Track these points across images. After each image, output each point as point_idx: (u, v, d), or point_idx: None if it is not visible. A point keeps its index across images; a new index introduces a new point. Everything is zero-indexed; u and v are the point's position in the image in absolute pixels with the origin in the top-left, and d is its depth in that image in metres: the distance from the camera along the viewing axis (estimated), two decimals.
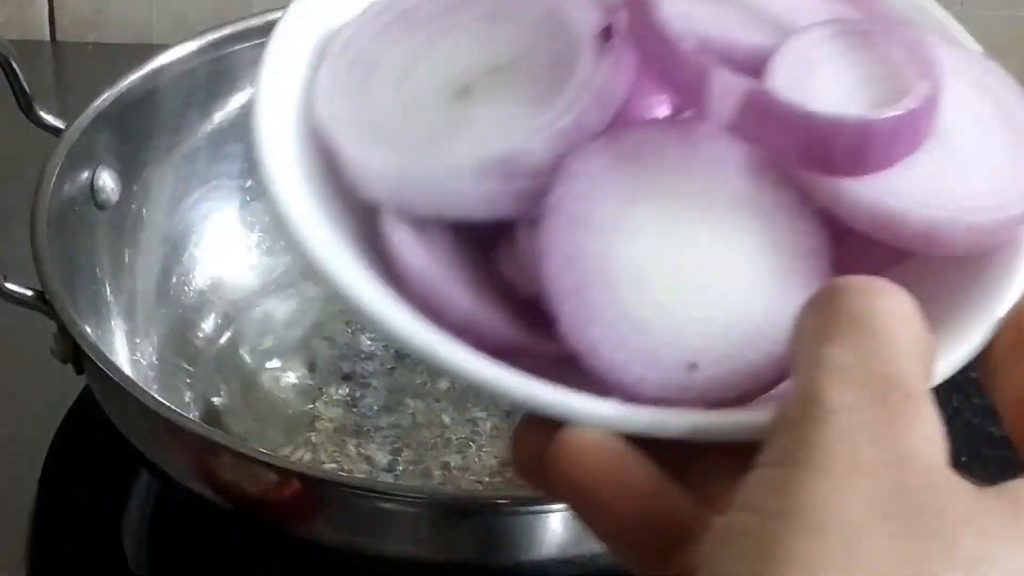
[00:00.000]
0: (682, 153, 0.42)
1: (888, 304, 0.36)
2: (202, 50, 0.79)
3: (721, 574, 0.34)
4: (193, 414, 0.74)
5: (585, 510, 0.38)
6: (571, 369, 0.39)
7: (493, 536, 0.61)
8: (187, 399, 0.76)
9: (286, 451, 0.73)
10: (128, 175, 0.76)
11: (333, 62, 0.43)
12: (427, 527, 0.61)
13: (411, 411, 0.76)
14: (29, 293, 0.67)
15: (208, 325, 0.80)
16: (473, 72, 0.43)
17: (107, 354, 0.65)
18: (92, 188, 0.74)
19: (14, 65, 0.73)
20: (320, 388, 0.78)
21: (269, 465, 0.60)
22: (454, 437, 0.75)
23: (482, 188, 0.40)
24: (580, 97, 0.41)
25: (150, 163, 0.78)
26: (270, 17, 0.81)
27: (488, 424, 0.75)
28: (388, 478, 0.72)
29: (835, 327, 0.36)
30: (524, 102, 0.42)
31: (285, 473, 0.60)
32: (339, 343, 0.80)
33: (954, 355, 0.40)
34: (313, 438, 0.74)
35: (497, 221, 0.41)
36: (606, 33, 0.42)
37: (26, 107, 0.74)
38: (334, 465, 0.73)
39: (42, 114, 0.75)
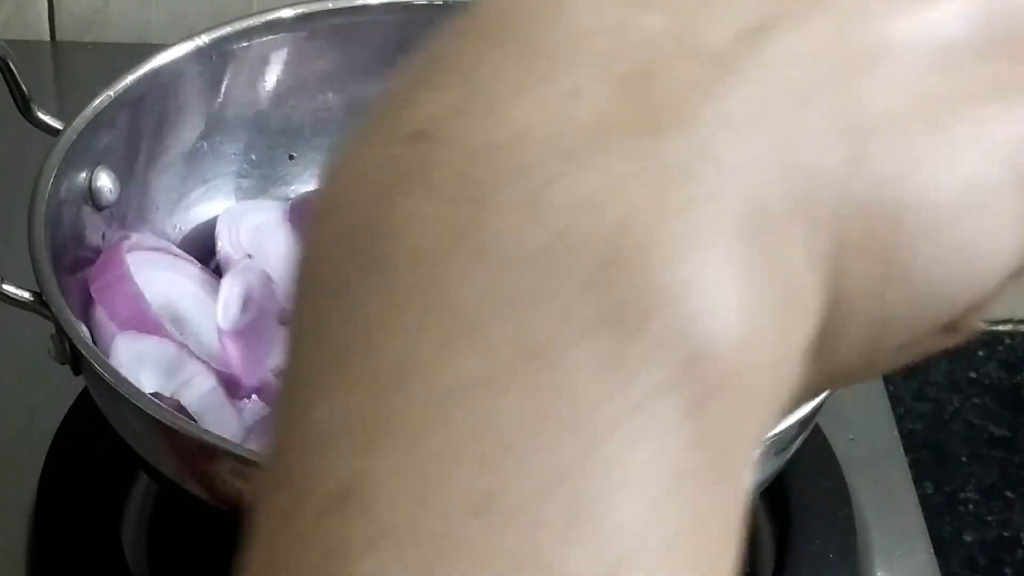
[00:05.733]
0: None
1: None
2: (201, 50, 0.79)
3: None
4: None
5: None
6: None
7: None
8: None
9: None
10: (126, 175, 0.76)
11: None
12: None
13: None
14: (27, 295, 0.67)
15: None
16: None
17: (104, 356, 0.65)
18: (90, 188, 0.74)
19: (11, 66, 0.73)
20: None
21: None
22: None
23: None
24: None
25: (148, 163, 0.78)
26: (270, 16, 0.81)
27: None
28: None
29: None
30: None
31: None
32: None
33: None
34: None
35: None
36: None
37: (24, 107, 0.74)
38: None
39: (40, 114, 0.74)
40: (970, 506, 1.07)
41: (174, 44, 0.78)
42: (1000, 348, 1.11)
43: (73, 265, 0.71)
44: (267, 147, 0.83)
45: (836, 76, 0.25)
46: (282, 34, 0.81)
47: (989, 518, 1.07)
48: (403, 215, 0.23)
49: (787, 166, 0.24)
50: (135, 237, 0.75)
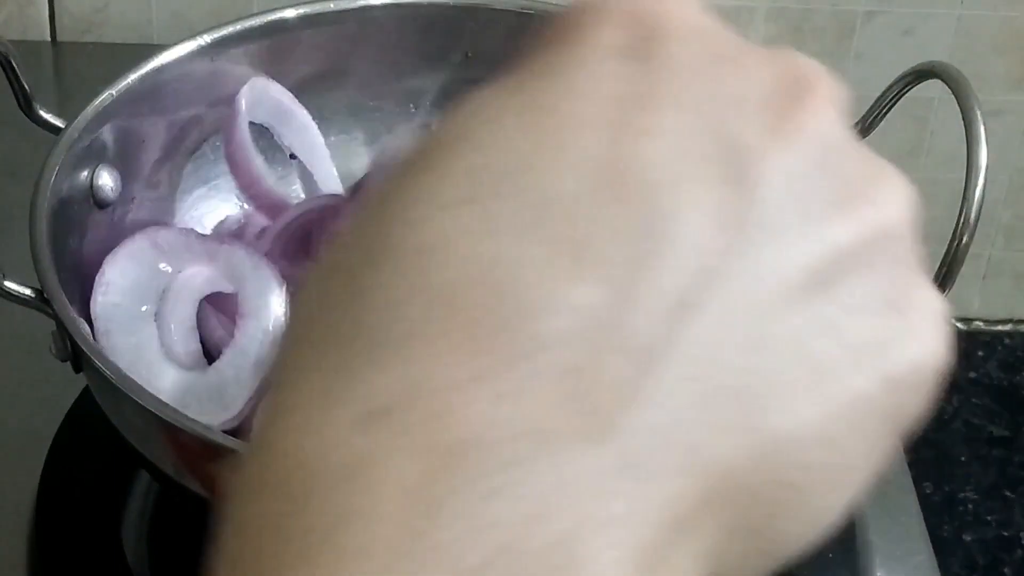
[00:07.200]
0: None
1: None
2: (202, 50, 0.79)
3: None
4: None
5: None
6: None
7: None
8: None
9: None
10: (127, 174, 0.76)
11: None
12: None
13: None
14: (28, 292, 0.67)
15: None
16: None
17: (105, 353, 0.65)
18: (92, 187, 0.74)
19: (14, 64, 0.73)
20: None
21: None
22: None
23: None
24: None
25: (149, 162, 0.78)
26: (270, 17, 0.81)
27: None
28: None
29: None
30: None
31: None
32: None
33: None
34: None
35: None
36: None
37: (26, 106, 0.74)
38: None
39: (42, 113, 0.74)
40: (970, 506, 1.08)
41: (175, 44, 0.78)
42: (1000, 348, 1.11)
43: (74, 263, 0.71)
44: (268, 147, 0.83)
45: (740, 387, 0.27)
46: (283, 34, 0.81)
47: (989, 518, 1.07)
48: (365, 498, 0.25)
49: (699, 468, 0.26)
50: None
